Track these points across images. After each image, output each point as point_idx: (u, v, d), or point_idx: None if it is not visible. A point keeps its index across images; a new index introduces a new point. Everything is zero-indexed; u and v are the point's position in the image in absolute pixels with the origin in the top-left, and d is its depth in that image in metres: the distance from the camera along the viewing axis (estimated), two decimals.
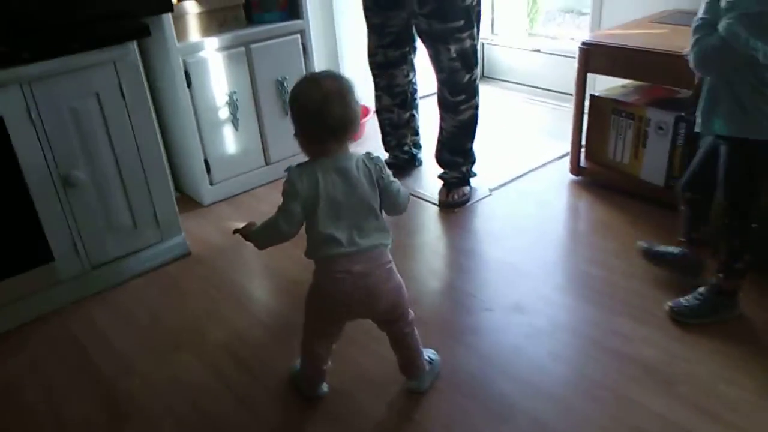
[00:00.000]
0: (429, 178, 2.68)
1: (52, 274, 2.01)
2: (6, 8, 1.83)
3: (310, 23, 2.67)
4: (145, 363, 1.77)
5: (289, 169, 1.36)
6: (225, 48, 2.46)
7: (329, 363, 1.56)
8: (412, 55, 2.53)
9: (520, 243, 2.19)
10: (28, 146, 1.85)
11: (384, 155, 2.75)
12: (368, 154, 1.39)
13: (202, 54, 2.41)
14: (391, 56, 2.47)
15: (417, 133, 2.74)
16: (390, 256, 1.41)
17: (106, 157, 2.01)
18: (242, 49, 2.50)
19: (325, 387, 1.61)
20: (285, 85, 2.65)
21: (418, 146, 2.77)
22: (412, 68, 2.57)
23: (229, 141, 2.59)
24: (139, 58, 1.99)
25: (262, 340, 1.84)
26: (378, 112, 2.66)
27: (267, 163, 2.75)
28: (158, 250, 2.22)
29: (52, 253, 1.99)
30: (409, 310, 1.51)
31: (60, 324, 1.96)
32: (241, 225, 1.49)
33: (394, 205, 1.43)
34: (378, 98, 2.61)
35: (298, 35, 2.64)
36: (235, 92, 2.53)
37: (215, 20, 2.46)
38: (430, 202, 2.52)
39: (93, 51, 1.88)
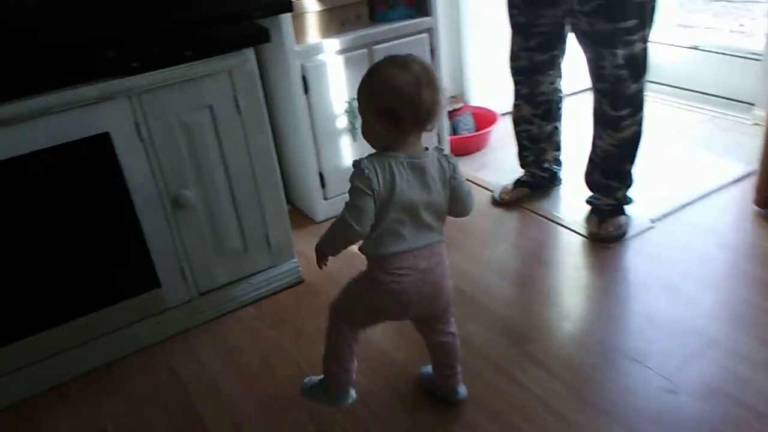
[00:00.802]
0: (570, 200, 2.31)
1: (157, 301, 1.84)
2: (116, 8, 1.66)
3: (439, 21, 2.37)
4: (255, 420, 1.56)
5: (358, 162, 1.25)
6: (346, 50, 2.21)
7: (355, 362, 1.45)
8: (561, 59, 2.16)
9: (697, 295, 1.78)
10: (136, 165, 1.67)
11: (517, 171, 2.41)
12: (440, 149, 1.31)
13: (321, 57, 2.17)
14: (537, 60, 2.12)
15: (559, 148, 2.37)
16: (445, 252, 1.35)
17: (218, 175, 1.81)
18: (364, 51, 2.24)
19: (353, 392, 1.48)
20: None
21: (559, 163, 2.41)
22: (560, 74, 2.20)
23: (346, 152, 2.34)
24: (256, 66, 1.77)
25: (388, 399, 1.58)
26: (515, 122, 2.31)
27: None
28: (269, 276, 2.01)
29: (158, 278, 1.82)
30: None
31: (163, 359, 1.79)
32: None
33: (463, 207, 1.36)
34: (517, 107, 2.27)
35: (426, 34, 2.35)
36: (354, 99, 2.27)
37: (336, 19, 2.21)
38: (572, 230, 2.16)
39: (208, 59, 1.68)
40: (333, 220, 1.31)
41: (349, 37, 2.21)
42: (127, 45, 1.65)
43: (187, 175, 1.76)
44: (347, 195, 1.26)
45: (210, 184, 1.81)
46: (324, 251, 1.35)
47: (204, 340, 1.85)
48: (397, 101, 1.20)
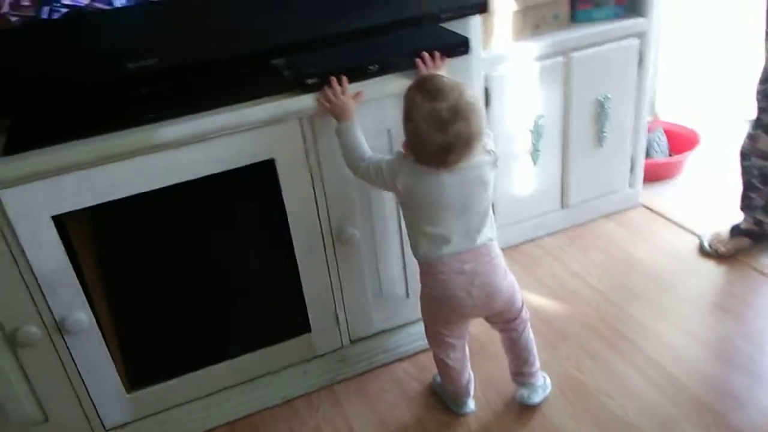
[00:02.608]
0: None
1: (306, 348, 1.59)
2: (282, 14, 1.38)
3: (653, 23, 1.93)
4: None
5: (398, 153, 1.29)
6: (538, 58, 1.83)
7: (471, 376, 1.48)
8: None
9: None
10: (299, 195, 1.41)
11: (730, 214, 1.95)
12: (491, 152, 1.28)
13: (507, 66, 1.81)
14: None
15: None
16: (499, 250, 1.33)
17: (388, 210, 1.52)
18: (560, 59, 1.85)
19: (471, 404, 1.50)
20: (605, 106, 1.96)
21: None
22: None
23: (523, 177, 1.98)
24: None
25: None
26: (744, 155, 1.83)
27: (563, 207, 2.10)
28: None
29: (309, 322, 1.57)
30: (525, 308, 1.42)
31: (309, 416, 1.55)
32: (348, 102, 1.30)
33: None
34: (753, 138, 1.79)
35: (637, 40, 1.92)
36: (542, 116, 1.90)
37: (529, 21, 1.83)
38: None
39: (394, 74, 1.37)
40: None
41: (543, 42, 1.82)
42: (298, 58, 1.38)
43: (353, 210, 1.48)
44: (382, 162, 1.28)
45: (378, 220, 1.52)
46: (338, 129, 1.32)
47: (353, 399, 1.58)
48: (414, 138, 1.22)
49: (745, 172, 1.86)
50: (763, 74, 1.69)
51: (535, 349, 1.46)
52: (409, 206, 1.31)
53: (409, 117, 1.22)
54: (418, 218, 1.29)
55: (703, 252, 1.94)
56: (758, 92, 1.71)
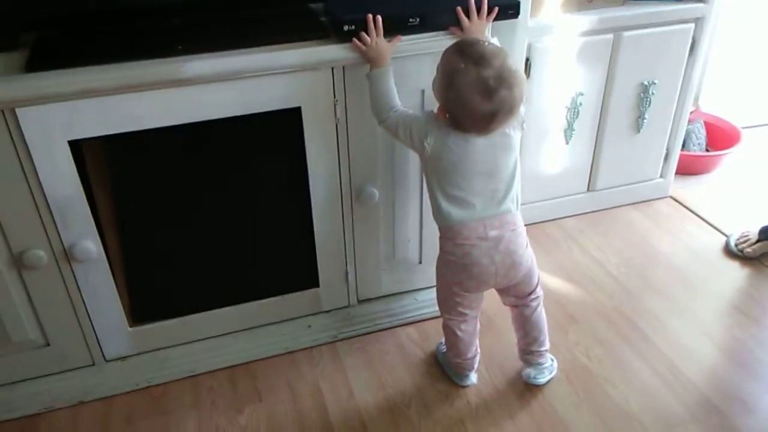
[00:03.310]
0: None
1: (312, 302, 1.58)
2: None
3: (713, 9, 1.83)
4: None
5: (430, 113, 1.27)
6: (586, 33, 1.74)
7: (477, 351, 1.45)
8: None
9: None
10: (322, 148, 1.37)
11: (763, 215, 1.87)
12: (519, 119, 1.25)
13: (552, 38, 1.72)
14: None
15: None
16: (521, 219, 1.31)
17: (412, 173, 1.48)
18: (609, 36, 1.76)
19: (473, 377, 1.48)
20: (650, 92, 1.88)
21: None
22: None
23: (552, 155, 1.92)
24: None
25: None
26: None
27: (589, 189, 2.04)
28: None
29: (318, 277, 1.55)
30: (540, 284, 1.40)
31: (308, 371, 1.53)
32: (385, 46, 1.25)
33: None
34: None
35: (692, 25, 1.82)
36: (581, 94, 1.83)
37: None
38: None
39: (435, 33, 1.31)
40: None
41: (594, 17, 1.73)
42: (337, 4, 1.31)
43: (376, 168, 1.44)
44: (412, 118, 1.25)
45: (399, 182, 1.48)
46: (370, 73, 1.27)
47: (354, 358, 1.57)
48: (457, 104, 1.18)
49: None
50: None
51: (546, 329, 1.44)
52: (435, 168, 1.27)
53: (451, 84, 1.17)
54: (443, 181, 1.26)
55: (728, 251, 1.88)
56: None
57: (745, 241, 1.86)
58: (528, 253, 1.33)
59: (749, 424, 1.37)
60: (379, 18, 1.24)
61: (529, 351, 1.45)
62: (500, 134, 1.23)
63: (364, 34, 1.24)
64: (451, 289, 1.35)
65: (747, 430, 1.36)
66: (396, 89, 1.28)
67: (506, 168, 1.26)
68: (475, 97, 1.14)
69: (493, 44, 1.21)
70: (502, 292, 1.40)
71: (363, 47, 1.24)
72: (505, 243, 1.27)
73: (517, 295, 1.39)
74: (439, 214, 1.29)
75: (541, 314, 1.42)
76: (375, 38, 1.24)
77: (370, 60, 1.26)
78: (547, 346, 1.45)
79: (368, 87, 1.29)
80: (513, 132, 1.25)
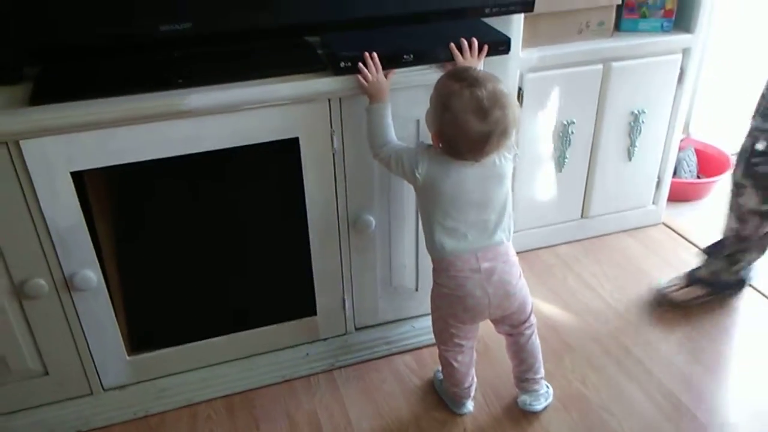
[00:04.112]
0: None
1: (310, 330, 1.59)
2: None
3: (700, 40, 1.88)
4: None
5: (420, 144, 1.31)
6: (577, 63, 1.79)
7: (474, 380, 1.45)
8: None
9: None
10: (319, 177, 1.40)
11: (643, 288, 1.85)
12: (512, 147, 1.28)
13: (544, 68, 1.77)
14: None
15: (763, 252, 1.73)
16: (514, 250, 1.32)
17: (406, 202, 1.50)
18: (599, 67, 1.81)
19: (470, 405, 1.48)
20: (640, 120, 1.92)
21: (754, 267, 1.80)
22: None
23: (545, 183, 1.95)
24: None
25: None
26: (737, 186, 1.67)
27: (582, 216, 2.07)
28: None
29: (315, 305, 1.56)
30: (533, 312, 1.41)
31: (306, 400, 1.54)
32: (384, 83, 1.29)
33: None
34: (739, 191, 1.63)
35: (680, 55, 1.87)
36: (573, 122, 1.87)
37: (573, 25, 1.79)
38: None
39: (429, 66, 1.34)
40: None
41: (584, 48, 1.78)
42: (333, 38, 1.35)
43: (372, 198, 1.46)
44: (403, 149, 1.29)
45: (395, 211, 1.50)
46: (369, 108, 1.30)
47: (352, 386, 1.57)
48: (452, 127, 1.19)
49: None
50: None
51: (540, 356, 1.45)
52: (427, 198, 1.29)
53: (446, 106, 1.19)
54: (436, 211, 1.27)
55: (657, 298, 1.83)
56: None
57: (673, 288, 1.80)
58: (521, 284, 1.34)
59: None
60: (375, 55, 1.28)
61: (524, 378, 1.46)
62: (492, 164, 1.25)
63: (365, 70, 1.28)
64: (447, 321, 1.36)
65: None
66: (392, 124, 1.31)
67: (498, 199, 1.28)
68: (470, 117, 1.17)
69: (483, 70, 1.25)
70: (496, 321, 1.41)
71: (365, 83, 1.28)
72: (498, 274, 1.28)
73: (512, 324, 1.40)
74: (432, 245, 1.31)
75: (536, 342, 1.43)
76: (375, 74, 1.28)
77: (370, 95, 1.29)
78: (542, 373, 1.46)
79: (366, 120, 1.32)
80: (504, 162, 1.27)
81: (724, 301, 1.80)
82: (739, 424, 1.44)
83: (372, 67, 1.28)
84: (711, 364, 1.61)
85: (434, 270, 1.34)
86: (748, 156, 1.57)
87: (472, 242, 1.27)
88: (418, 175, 1.26)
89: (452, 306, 1.32)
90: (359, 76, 1.28)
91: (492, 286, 1.28)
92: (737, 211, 1.66)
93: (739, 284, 1.81)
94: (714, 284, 1.78)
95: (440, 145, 1.25)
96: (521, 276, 1.34)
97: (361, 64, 1.28)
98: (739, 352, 1.66)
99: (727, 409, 1.49)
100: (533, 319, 1.42)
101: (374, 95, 1.29)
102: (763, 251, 1.74)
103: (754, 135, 1.57)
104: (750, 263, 1.78)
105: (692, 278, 1.80)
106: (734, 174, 1.64)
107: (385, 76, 1.30)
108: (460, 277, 1.27)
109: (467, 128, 1.18)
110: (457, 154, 1.23)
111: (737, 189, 1.64)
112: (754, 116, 1.58)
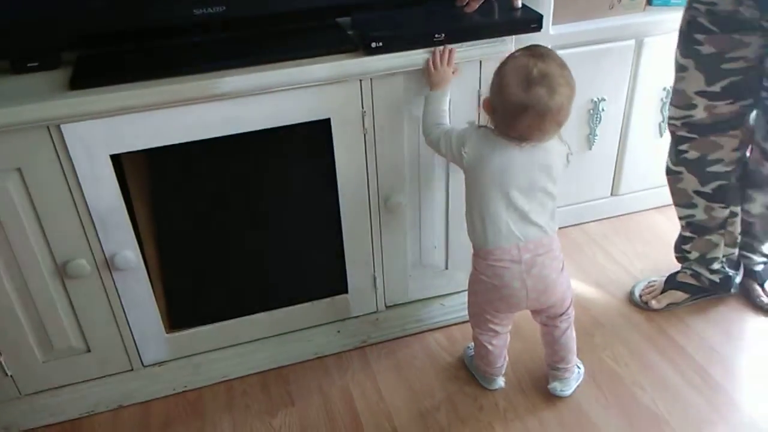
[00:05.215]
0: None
1: (341, 308, 1.61)
2: None
3: None
4: None
5: (471, 125, 1.32)
6: (608, 39, 1.76)
7: (506, 359, 1.47)
8: (753, 114, 1.47)
9: None
10: (351, 158, 1.41)
11: (673, 265, 1.76)
12: (565, 143, 1.28)
13: (575, 44, 1.74)
14: (720, 112, 1.45)
15: (736, 243, 1.66)
16: (558, 243, 1.30)
17: (437, 183, 1.51)
18: (631, 42, 1.79)
19: (501, 381, 1.50)
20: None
21: (735, 264, 1.69)
22: (750, 135, 1.49)
23: (574, 161, 1.90)
24: None
25: None
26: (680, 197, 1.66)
27: (612, 194, 2.05)
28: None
29: (347, 284, 1.58)
30: (572, 305, 1.39)
31: (338, 376, 1.57)
32: (448, 72, 1.30)
33: None
34: (676, 177, 1.62)
35: None
36: (603, 99, 1.85)
37: (605, 0, 1.77)
38: None
39: (460, 44, 1.34)
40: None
41: (616, 23, 1.76)
42: (364, 19, 1.35)
43: (403, 177, 1.47)
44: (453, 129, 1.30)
45: (425, 191, 1.51)
46: (429, 95, 1.32)
47: (383, 363, 1.60)
48: (496, 91, 1.19)
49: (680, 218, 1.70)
50: (678, 97, 1.53)
51: (575, 348, 1.44)
52: (474, 180, 1.28)
53: (500, 69, 1.19)
54: (481, 195, 1.26)
55: (632, 302, 1.76)
56: (673, 121, 1.58)
57: (651, 294, 1.73)
58: (562, 278, 1.32)
59: None
60: (452, 48, 1.30)
61: (555, 367, 1.46)
62: (541, 152, 1.23)
63: (438, 57, 1.29)
64: (483, 307, 1.37)
65: None
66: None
67: (544, 189, 1.25)
68: (512, 82, 1.15)
69: (557, 55, 1.20)
70: (534, 311, 1.40)
71: (432, 69, 1.29)
72: (539, 267, 1.26)
73: (548, 316, 1.39)
74: (473, 232, 1.30)
75: (571, 335, 1.42)
76: (443, 64, 1.29)
77: (432, 82, 1.31)
78: (573, 362, 1.46)
79: (424, 105, 1.34)
80: (554, 153, 1.24)
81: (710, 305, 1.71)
82: None
83: (445, 57, 1.29)
84: (743, 340, 1.60)
85: (474, 255, 1.33)
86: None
87: (515, 231, 1.25)
88: (464, 153, 1.25)
89: (489, 294, 1.32)
90: (429, 61, 1.29)
91: (531, 279, 1.26)
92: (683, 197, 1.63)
93: (726, 285, 1.69)
94: (696, 288, 1.70)
95: (488, 115, 1.24)
96: (563, 269, 1.32)
97: (435, 49, 1.29)
98: None
99: (760, 385, 1.49)
100: (571, 312, 1.40)
101: (437, 84, 1.30)
102: (734, 242, 1.66)
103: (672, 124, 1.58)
104: (730, 260, 1.67)
105: (671, 283, 1.72)
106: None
107: (454, 72, 1.31)
108: (499, 266, 1.27)
109: (506, 92, 1.16)
110: (500, 127, 1.22)
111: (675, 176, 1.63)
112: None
